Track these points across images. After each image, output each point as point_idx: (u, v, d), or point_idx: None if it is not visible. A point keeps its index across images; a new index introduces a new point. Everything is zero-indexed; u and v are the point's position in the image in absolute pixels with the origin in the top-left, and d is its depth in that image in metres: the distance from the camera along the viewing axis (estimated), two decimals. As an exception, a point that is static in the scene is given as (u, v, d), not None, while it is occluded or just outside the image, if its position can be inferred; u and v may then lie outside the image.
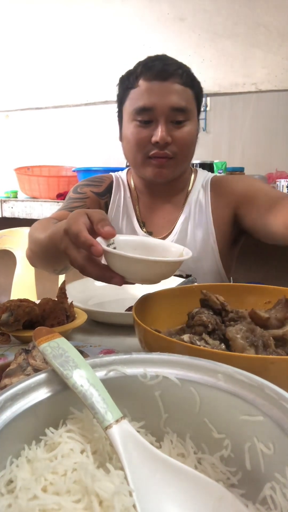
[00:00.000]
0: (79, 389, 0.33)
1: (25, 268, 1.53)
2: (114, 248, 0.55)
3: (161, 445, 0.35)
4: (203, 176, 1.11)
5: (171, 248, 0.60)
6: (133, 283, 0.57)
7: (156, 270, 0.54)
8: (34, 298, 1.45)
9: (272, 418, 0.30)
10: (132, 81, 0.96)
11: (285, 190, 1.59)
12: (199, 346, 0.50)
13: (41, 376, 0.35)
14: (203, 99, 1.18)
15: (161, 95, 0.92)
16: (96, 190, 1.10)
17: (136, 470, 0.30)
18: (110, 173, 1.16)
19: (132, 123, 0.96)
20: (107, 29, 2.28)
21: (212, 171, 1.71)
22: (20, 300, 0.67)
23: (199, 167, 1.50)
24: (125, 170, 1.17)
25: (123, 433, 0.31)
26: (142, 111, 0.94)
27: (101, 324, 0.78)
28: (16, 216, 2.01)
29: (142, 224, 1.09)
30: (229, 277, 1.12)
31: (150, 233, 1.08)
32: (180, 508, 0.29)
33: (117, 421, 0.32)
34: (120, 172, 1.17)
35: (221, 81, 2.09)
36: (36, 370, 0.46)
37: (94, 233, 0.54)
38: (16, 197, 2.18)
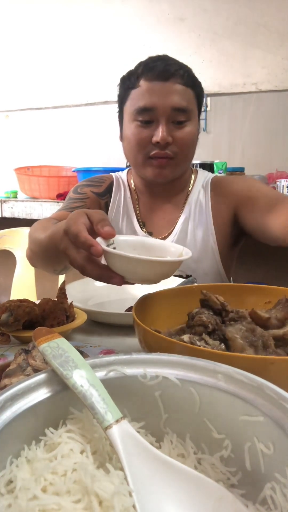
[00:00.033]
0: (79, 389, 0.33)
1: (25, 268, 1.53)
2: (114, 248, 0.55)
3: (161, 445, 0.35)
4: (203, 176, 1.11)
5: (171, 248, 0.60)
6: (133, 283, 0.57)
7: (156, 270, 0.54)
8: (34, 298, 1.45)
9: (272, 418, 0.30)
10: (133, 81, 0.96)
11: (285, 190, 1.59)
12: (199, 346, 0.50)
13: (41, 376, 0.35)
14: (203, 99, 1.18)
15: (162, 95, 0.92)
16: (96, 190, 1.10)
17: (136, 470, 0.30)
18: (110, 173, 1.16)
19: (133, 123, 0.96)
20: (107, 29, 2.28)
21: (212, 171, 1.71)
22: (20, 300, 0.67)
23: (199, 167, 1.50)
24: (125, 171, 1.17)
25: (123, 434, 0.31)
26: (143, 111, 0.94)
27: (101, 324, 0.78)
28: (16, 216, 2.01)
29: (142, 224, 1.09)
30: (229, 277, 1.12)
31: (150, 233, 1.08)
32: (180, 508, 0.29)
33: (117, 421, 0.32)
34: (120, 172, 1.17)
35: (221, 81, 2.09)
36: (36, 370, 0.46)
37: (94, 233, 0.54)
38: (16, 197, 2.18)
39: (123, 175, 1.15)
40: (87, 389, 0.33)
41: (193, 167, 1.20)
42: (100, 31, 2.30)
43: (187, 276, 1.01)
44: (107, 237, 0.54)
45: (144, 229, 1.08)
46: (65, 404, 0.34)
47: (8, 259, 1.61)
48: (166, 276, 0.56)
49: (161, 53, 0.99)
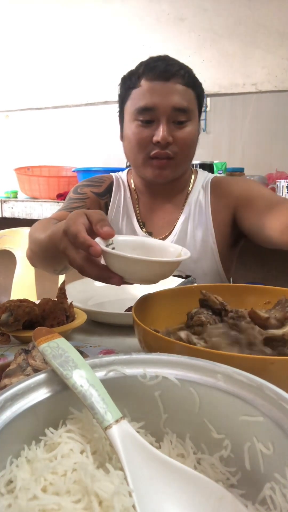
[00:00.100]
0: (79, 389, 0.33)
1: (25, 268, 1.53)
2: (113, 248, 0.55)
3: (160, 445, 0.35)
4: (203, 177, 1.11)
5: (170, 248, 0.60)
6: (132, 283, 0.57)
7: (155, 270, 0.54)
8: (34, 298, 1.45)
9: (272, 418, 0.30)
10: (134, 81, 0.96)
11: (285, 191, 1.59)
12: (196, 343, 0.50)
13: (41, 376, 0.35)
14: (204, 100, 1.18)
15: (163, 95, 0.92)
16: (96, 190, 1.10)
17: (135, 470, 0.30)
18: (110, 173, 1.16)
19: (133, 123, 0.96)
20: (107, 29, 2.28)
21: (212, 172, 1.71)
22: (20, 300, 0.67)
23: (199, 168, 1.50)
24: (125, 171, 1.17)
25: (123, 433, 0.32)
26: (143, 111, 0.94)
27: (101, 324, 0.78)
28: (16, 216, 2.01)
29: (142, 225, 1.09)
30: (229, 277, 1.12)
31: (150, 234, 1.08)
32: (179, 508, 0.29)
33: (116, 421, 0.32)
34: (120, 172, 1.17)
35: (221, 81, 2.09)
36: (36, 370, 0.46)
37: (93, 233, 0.54)
38: (16, 197, 2.18)
39: (123, 175, 1.15)
40: (87, 389, 0.33)
41: (193, 167, 1.20)
42: (100, 31, 2.30)
43: (187, 276, 1.01)
44: (106, 237, 0.54)
45: (144, 229, 1.08)
46: (65, 404, 0.35)
47: (8, 259, 1.61)
48: (164, 276, 0.56)
49: (161, 53, 0.99)
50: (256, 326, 0.53)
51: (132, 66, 0.99)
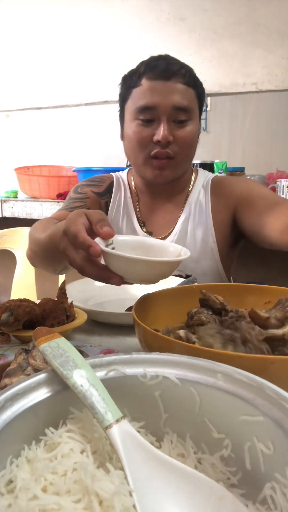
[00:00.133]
0: (79, 389, 0.33)
1: (25, 268, 1.54)
2: (113, 248, 0.55)
3: (161, 445, 0.35)
4: (204, 176, 1.11)
5: (170, 248, 0.60)
6: (132, 283, 0.57)
7: (154, 270, 0.54)
8: (34, 298, 1.45)
9: (272, 418, 0.30)
10: (135, 80, 0.96)
11: (285, 190, 1.59)
12: (195, 341, 0.50)
13: (41, 376, 0.35)
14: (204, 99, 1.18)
15: (164, 94, 0.92)
16: (96, 190, 1.10)
17: (136, 470, 0.30)
18: (111, 173, 1.16)
19: (134, 122, 0.96)
20: (107, 29, 2.28)
21: (213, 171, 1.71)
22: (20, 300, 0.67)
23: (200, 167, 1.50)
24: (126, 170, 1.17)
25: (123, 433, 0.31)
26: (144, 110, 0.94)
27: (101, 324, 0.78)
28: (16, 216, 2.01)
29: (142, 224, 1.09)
30: (229, 277, 1.12)
31: (150, 233, 1.08)
32: (180, 508, 0.29)
33: (117, 421, 0.32)
34: (120, 172, 1.17)
35: (221, 81, 2.09)
36: (36, 370, 0.46)
37: (93, 233, 0.54)
38: (16, 197, 2.18)
39: (123, 174, 1.15)
40: (87, 389, 0.33)
41: (194, 166, 1.20)
42: (100, 31, 2.30)
43: (187, 276, 1.01)
44: (106, 237, 0.54)
45: (144, 229, 1.08)
46: (65, 404, 0.34)
47: (8, 259, 1.61)
48: (164, 276, 0.56)
49: (161, 53, 0.99)
50: (257, 326, 0.52)
51: (132, 66, 0.99)
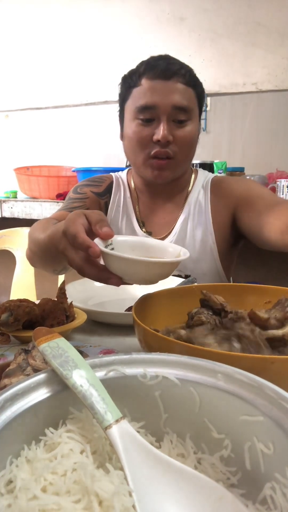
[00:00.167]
0: (79, 389, 0.33)
1: (25, 268, 1.54)
2: (112, 249, 0.55)
3: (161, 445, 0.35)
4: (203, 176, 1.11)
5: (169, 248, 0.60)
6: (131, 284, 0.57)
7: (154, 271, 0.54)
8: (33, 298, 1.45)
9: (272, 418, 0.30)
10: (135, 79, 0.96)
11: (285, 190, 1.58)
12: (195, 342, 0.50)
13: (41, 376, 0.35)
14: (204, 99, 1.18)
15: (164, 94, 0.92)
16: (96, 190, 1.10)
17: (135, 470, 0.30)
18: (110, 173, 1.16)
19: (134, 122, 0.96)
20: (107, 29, 2.28)
21: (212, 171, 1.71)
22: (20, 300, 0.67)
23: (199, 167, 1.50)
24: (125, 170, 1.17)
25: (123, 433, 0.31)
26: (144, 110, 0.94)
27: (101, 324, 0.78)
28: (16, 216, 2.01)
29: (142, 224, 1.09)
30: (229, 277, 1.12)
31: (149, 233, 1.08)
32: (180, 508, 0.29)
33: (117, 421, 0.32)
34: (120, 172, 1.17)
35: (221, 81, 2.09)
36: (36, 370, 0.46)
37: (92, 233, 0.54)
38: (16, 197, 2.18)
39: (123, 175, 1.15)
40: (87, 389, 0.33)
41: (193, 167, 1.20)
42: (100, 31, 2.30)
43: (186, 276, 1.01)
44: (105, 238, 0.54)
45: (143, 229, 1.08)
46: (65, 404, 0.34)
47: (8, 259, 1.61)
48: (163, 276, 0.56)
49: (161, 53, 0.99)
50: (256, 327, 0.52)
51: (132, 66, 0.99)
